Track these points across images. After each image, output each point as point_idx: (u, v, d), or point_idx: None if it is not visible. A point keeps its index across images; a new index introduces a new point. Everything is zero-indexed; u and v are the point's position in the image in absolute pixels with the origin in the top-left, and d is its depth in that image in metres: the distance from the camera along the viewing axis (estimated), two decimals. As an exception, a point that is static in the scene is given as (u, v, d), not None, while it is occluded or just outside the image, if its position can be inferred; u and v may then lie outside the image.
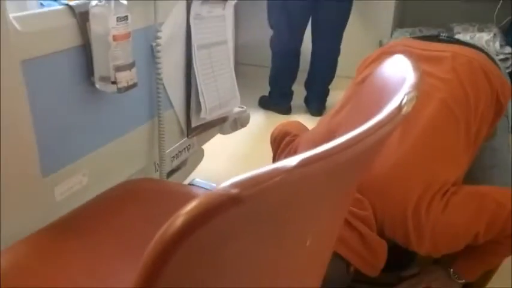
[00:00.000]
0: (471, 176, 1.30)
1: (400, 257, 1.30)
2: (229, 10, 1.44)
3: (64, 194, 1.00)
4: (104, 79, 0.99)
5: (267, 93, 2.75)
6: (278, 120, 2.40)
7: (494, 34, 2.28)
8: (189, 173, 1.62)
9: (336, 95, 1.99)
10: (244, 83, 2.89)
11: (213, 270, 0.35)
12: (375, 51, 1.53)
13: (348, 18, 2.49)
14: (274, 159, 1.56)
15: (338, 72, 2.63)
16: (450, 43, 1.49)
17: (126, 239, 0.78)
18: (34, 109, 0.90)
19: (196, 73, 1.36)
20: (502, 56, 2.18)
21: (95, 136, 1.08)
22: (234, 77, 1.57)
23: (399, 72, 0.58)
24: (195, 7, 1.29)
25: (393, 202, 1.16)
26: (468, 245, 1.15)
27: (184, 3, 1.28)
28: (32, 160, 0.92)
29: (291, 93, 2.69)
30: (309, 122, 2.04)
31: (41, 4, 1.74)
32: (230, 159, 2.18)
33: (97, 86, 1.00)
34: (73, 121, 1.01)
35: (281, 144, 1.54)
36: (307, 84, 2.70)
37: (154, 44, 1.20)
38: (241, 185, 0.30)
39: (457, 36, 2.37)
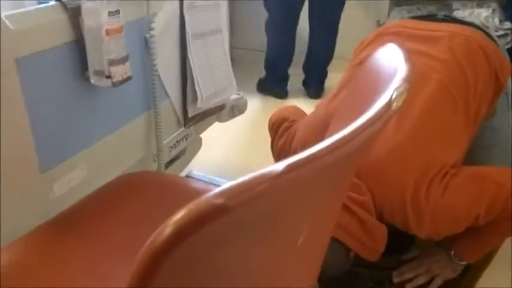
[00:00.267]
0: (471, 156, 1.29)
1: (399, 240, 1.30)
2: (223, -2, 1.42)
3: (63, 190, 1.01)
4: (98, 73, 0.99)
5: (258, 78, 2.73)
6: (276, 104, 2.39)
7: (493, 10, 2.23)
8: (188, 162, 1.63)
9: (334, 77, 1.98)
10: (241, 68, 2.88)
11: (206, 274, 0.36)
12: (371, 32, 1.52)
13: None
14: (273, 146, 1.56)
15: (336, 53, 2.61)
16: (447, 22, 1.47)
17: (125, 236, 0.79)
18: (30, 106, 0.90)
19: (191, 63, 1.35)
20: (501, 32, 2.15)
21: (92, 130, 1.09)
22: (230, 65, 1.56)
23: (391, 62, 0.58)
24: (188, -4, 1.28)
25: (391, 186, 1.15)
26: (468, 226, 1.15)
27: (177, -7, 1.27)
28: (29, 157, 0.92)
29: (287, 77, 2.66)
30: (308, 105, 2.03)
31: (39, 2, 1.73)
32: (229, 146, 2.19)
33: (91, 80, 1.00)
34: (69, 116, 1.01)
35: (279, 130, 1.54)
36: (306, 67, 2.67)
37: (148, 35, 1.19)
38: (227, 194, 0.30)
39: (455, 13, 2.33)
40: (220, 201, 0.30)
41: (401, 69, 0.52)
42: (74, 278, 0.69)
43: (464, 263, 1.28)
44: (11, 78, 0.85)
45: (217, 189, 0.31)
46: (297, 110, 1.64)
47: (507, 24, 2.16)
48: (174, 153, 1.48)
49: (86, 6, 0.92)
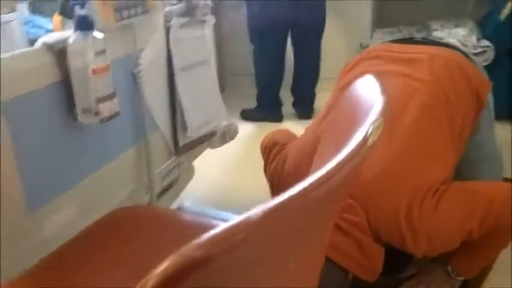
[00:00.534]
0: (460, 172, 1.32)
1: (397, 259, 1.30)
2: (208, 29, 1.45)
3: (53, 228, 1.01)
4: (86, 111, 1.00)
5: (254, 101, 2.76)
6: (268, 127, 2.42)
7: (471, 29, 2.31)
8: (181, 190, 1.63)
9: (323, 97, 2.02)
10: (232, 93, 2.91)
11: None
12: (354, 57, 1.56)
13: (324, 22, 2.56)
14: (266, 169, 1.58)
15: (323, 74, 2.67)
16: (427, 44, 1.52)
17: (115, 277, 0.79)
18: (18, 147, 0.91)
19: (179, 94, 1.37)
20: (479, 50, 2.21)
21: (81, 167, 1.09)
22: (219, 92, 1.59)
23: (368, 95, 0.60)
24: (174, 32, 1.31)
25: (385, 207, 1.17)
26: (464, 241, 1.16)
27: (163, 29, 1.30)
28: (17, 198, 0.92)
29: (280, 102, 2.73)
30: (299, 126, 2.06)
31: (27, 33, 1.76)
32: (222, 172, 2.19)
33: (79, 118, 1.01)
34: (57, 155, 1.02)
35: (271, 154, 1.56)
36: (293, 90, 2.73)
37: (135, 71, 1.21)
38: (208, 245, 0.31)
39: (434, 33, 2.41)
40: (200, 252, 0.31)
41: (377, 103, 0.54)
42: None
43: (462, 278, 1.28)
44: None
45: (197, 241, 0.32)
46: (287, 133, 1.67)
47: (484, 42, 2.22)
48: (166, 182, 1.49)
49: (72, 47, 0.94)
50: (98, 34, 0.97)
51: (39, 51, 0.95)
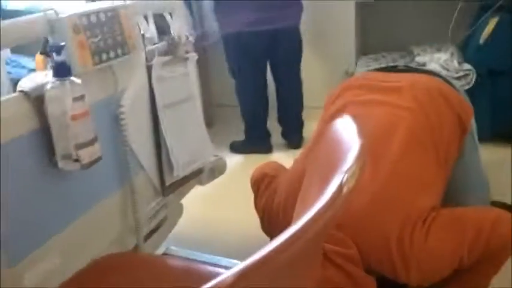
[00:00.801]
0: (448, 196, 1.33)
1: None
2: (191, 66, 1.45)
3: (35, 280, 0.97)
4: (66, 158, 0.98)
5: (242, 133, 2.76)
6: (258, 159, 2.40)
7: (452, 53, 2.35)
8: (170, 229, 1.59)
9: (311, 125, 2.02)
10: (220, 126, 2.90)
11: None
12: (338, 86, 1.58)
13: (300, 50, 2.58)
14: (256, 203, 1.56)
15: (309, 103, 2.67)
16: (409, 72, 1.55)
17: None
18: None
19: (164, 133, 1.36)
20: (461, 73, 2.25)
21: (63, 214, 1.07)
22: (205, 128, 1.58)
23: (347, 137, 0.59)
24: (156, 70, 1.30)
25: (375, 237, 1.17)
26: (456, 269, 1.17)
27: (144, 68, 1.30)
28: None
29: (269, 133, 2.73)
30: (290, 155, 2.05)
31: (8, 73, 1.74)
32: (211, 206, 2.16)
33: (59, 165, 0.99)
34: (38, 204, 0.99)
35: (261, 187, 1.57)
36: (280, 120, 2.74)
37: (118, 112, 1.20)
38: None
39: (417, 58, 2.45)
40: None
41: (354, 147, 0.53)
42: None
43: None
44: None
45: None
46: (276, 165, 1.68)
47: (465, 66, 2.26)
48: (154, 223, 1.45)
49: (49, 94, 0.93)
50: (75, 79, 0.96)
51: (15, 99, 0.93)
